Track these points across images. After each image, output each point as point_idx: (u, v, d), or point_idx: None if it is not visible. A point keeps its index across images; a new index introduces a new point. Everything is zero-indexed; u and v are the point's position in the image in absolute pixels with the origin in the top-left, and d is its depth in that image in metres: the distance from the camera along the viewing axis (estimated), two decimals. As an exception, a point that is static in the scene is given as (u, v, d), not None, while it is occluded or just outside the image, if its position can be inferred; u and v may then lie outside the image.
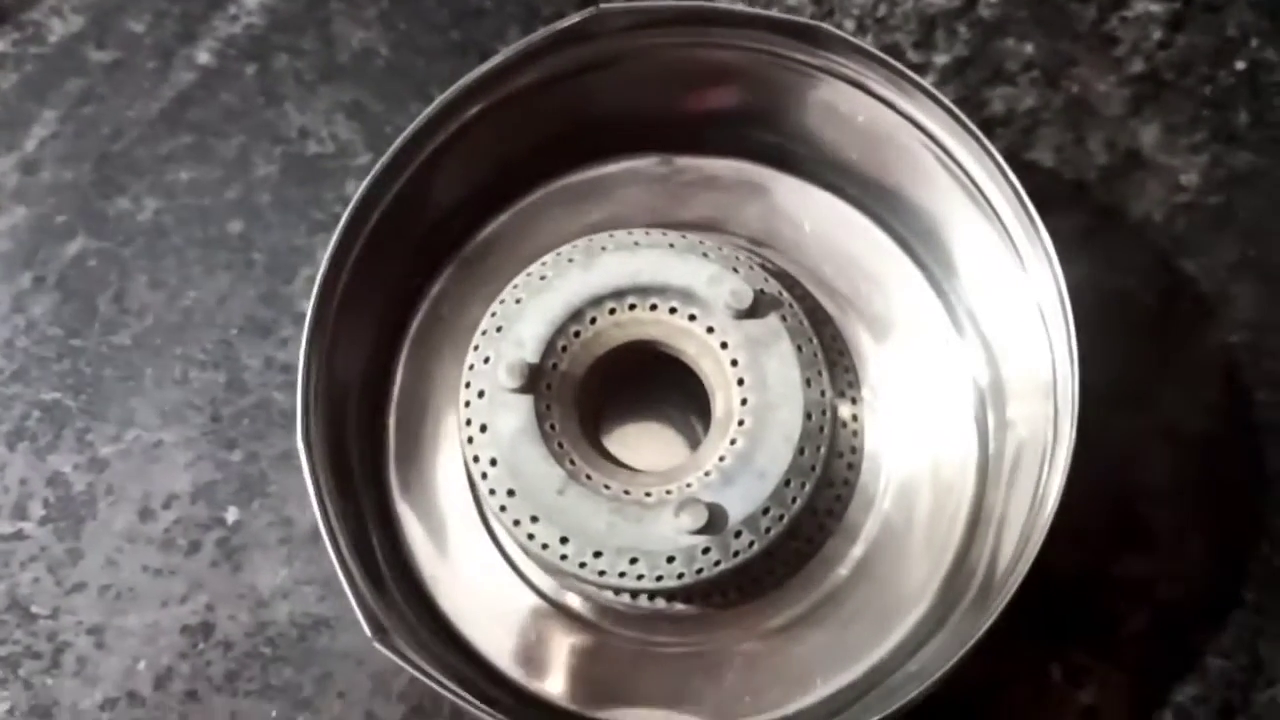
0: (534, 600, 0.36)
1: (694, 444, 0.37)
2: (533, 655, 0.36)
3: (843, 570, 0.36)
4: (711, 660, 0.36)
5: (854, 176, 0.39)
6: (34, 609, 0.38)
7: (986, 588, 0.34)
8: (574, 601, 0.36)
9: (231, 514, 0.38)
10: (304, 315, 0.39)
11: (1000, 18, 0.42)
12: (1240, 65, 0.42)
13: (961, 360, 0.37)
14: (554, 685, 0.36)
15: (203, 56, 0.42)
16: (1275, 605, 0.37)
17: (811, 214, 0.39)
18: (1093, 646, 0.37)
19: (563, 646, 0.36)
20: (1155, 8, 0.42)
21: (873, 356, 0.38)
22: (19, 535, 0.38)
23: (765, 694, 0.35)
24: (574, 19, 0.34)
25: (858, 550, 0.36)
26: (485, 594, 0.36)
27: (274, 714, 0.37)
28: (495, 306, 0.34)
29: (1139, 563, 0.38)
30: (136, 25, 0.43)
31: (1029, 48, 0.42)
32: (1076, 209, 0.41)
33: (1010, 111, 0.42)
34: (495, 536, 0.37)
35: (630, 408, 0.38)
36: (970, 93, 0.42)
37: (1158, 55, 0.42)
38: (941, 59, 0.42)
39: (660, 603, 0.35)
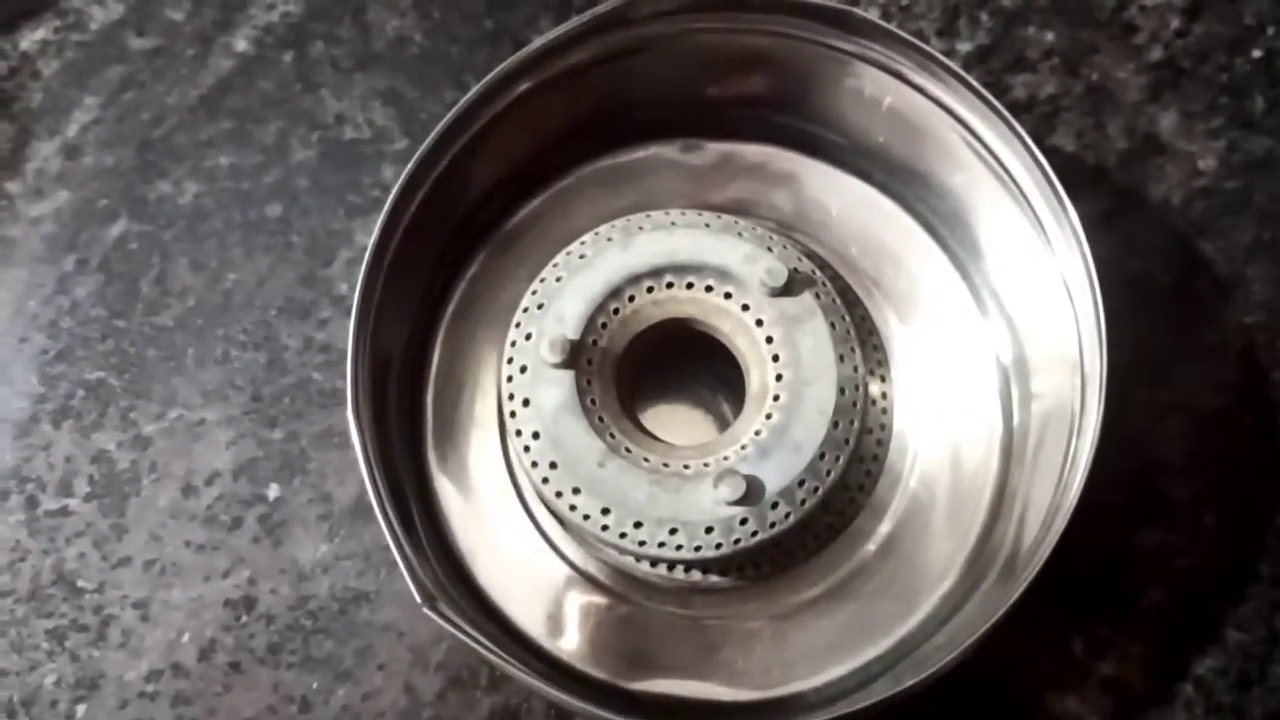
0: (567, 572, 0.37)
1: (722, 422, 0.38)
2: (565, 626, 0.37)
3: (871, 545, 0.37)
4: (742, 632, 0.36)
5: (880, 160, 0.39)
6: (80, 583, 0.39)
7: (1011, 563, 0.35)
8: (606, 574, 0.37)
9: (273, 491, 0.39)
10: (342, 297, 0.40)
11: (1022, 6, 0.43)
12: (1257, 53, 0.43)
13: (985, 339, 0.38)
14: (585, 655, 0.36)
15: (241, 44, 0.43)
16: (1292, 579, 0.38)
17: (838, 197, 0.40)
18: (1114, 619, 0.38)
19: (595, 617, 0.37)
20: (1173, -3, 0.43)
21: (899, 336, 0.39)
22: (65, 511, 0.39)
23: (795, 665, 0.36)
24: (612, 4, 0.35)
25: (885, 526, 0.37)
26: (519, 566, 0.37)
27: (315, 685, 0.38)
28: (536, 285, 0.35)
29: (1158, 536, 0.38)
30: (175, 13, 0.44)
31: (1050, 35, 0.43)
32: (1097, 193, 0.41)
33: (1032, 98, 0.42)
34: (530, 510, 0.38)
35: (661, 385, 0.39)
36: (993, 79, 0.43)
37: (1176, 43, 0.43)
38: (964, 46, 0.43)
39: (695, 574, 0.35)
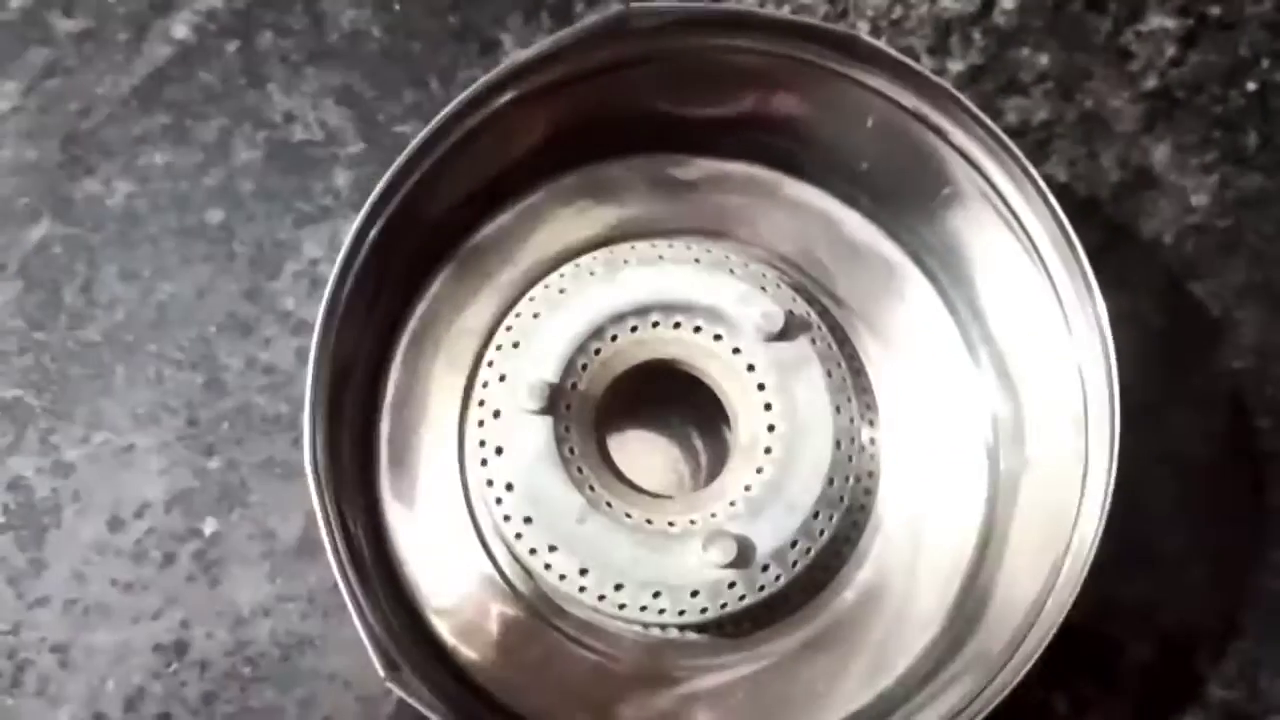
0: (531, 620, 0.35)
1: (693, 458, 0.36)
2: (529, 677, 0.34)
3: (850, 594, 0.35)
4: (717, 687, 0.35)
5: (868, 186, 0.38)
6: (-8, 623, 0.35)
7: (1002, 618, 0.34)
8: (574, 625, 0.35)
9: (209, 525, 0.36)
10: (289, 314, 0.38)
11: (1016, 26, 0.41)
12: (1251, 86, 0.41)
13: (974, 379, 0.37)
14: (550, 708, 0.34)
15: (180, 30, 0.40)
16: (1275, 635, 0.37)
17: (824, 224, 0.38)
18: (1096, 676, 0.37)
19: (559, 668, 0.35)
20: (1170, 23, 0.42)
21: (885, 374, 0.37)
22: (-24, 543, 0.36)
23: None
24: (601, 17, 0.32)
25: (866, 574, 0.35)
26: (476, 612, 0.35)
27: (254, 738, 0.35)
28: (511, 320, 0.32)
29: (1142, 589, 0.37)
30: (108, -7, 0.40)
31: (1044, 58, 0.41)
32: (1089, 225, 0.39)
33: (1024, 123, 0.41)
34: (490, 551, 0.35)
35: (630, 418, 0.36)
36: (984, 102, 0.41)
37: (1170, 72, 0.41)
38: (956, 65, 0.41)
39: (672, 632, 0.33)
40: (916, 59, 0.41)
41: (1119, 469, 0.34)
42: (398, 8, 0.40)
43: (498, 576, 0.35)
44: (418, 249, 0.36)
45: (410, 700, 0.28)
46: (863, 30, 0.41)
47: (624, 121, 0.37)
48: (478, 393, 0.32)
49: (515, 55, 0.32)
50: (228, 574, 0.36)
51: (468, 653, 0.34)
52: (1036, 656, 0.30)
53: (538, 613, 0.35)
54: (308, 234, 0.38)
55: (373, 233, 0.32)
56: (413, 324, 0.36)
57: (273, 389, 0.37)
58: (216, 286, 0.38)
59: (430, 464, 0.36)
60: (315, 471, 0.29)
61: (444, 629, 0.34)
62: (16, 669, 0.35)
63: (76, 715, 0.35)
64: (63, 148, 0.39)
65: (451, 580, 0.35)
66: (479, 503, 0.35)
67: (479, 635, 0.34)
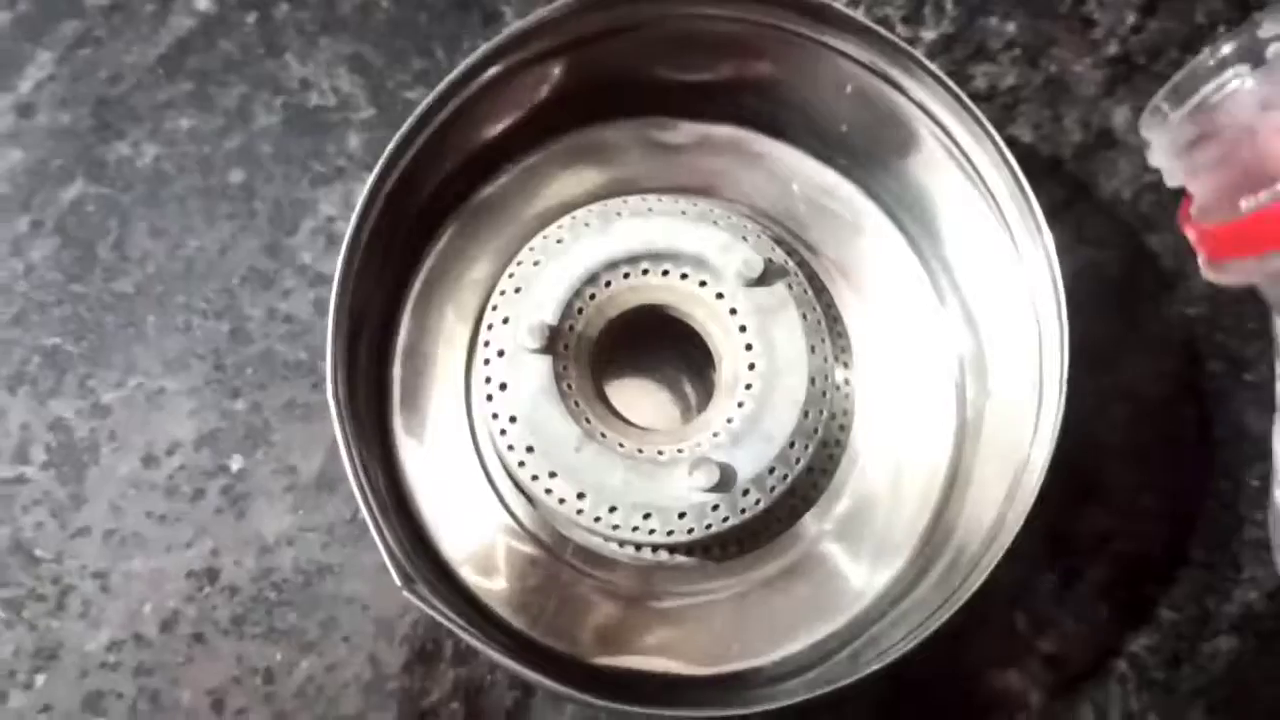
0: (531, 549, 0.37)
1: (683, 401, 0.39)
2: (527, 600, 0.37)
3: (828, 525, 0.38)
4: (703, 609, 0.37)
5: (845, 147, 0.40)
6: (37, 552, 0.38)
7: (962, 546, 0.37)
8: (570, 550, 0.37)
9: (235, 462, 0.39)
10: (306, 267, 0.40)
11: (985, -4, 0.44)
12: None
13: (943, 326, 0.39)
14: (547, 629, 0.37)
15: (202, 3, 0.42)
16: (1221, 562, 0.40)
17: (804, 181, 0.41)
18: (1055, 598, 0.40)
19: (558, 593, 0.37)
20: (1131, -8, 0.44)
21: (859, 320, 0.40)
22: (21, 479, 0.39)
23: (753, 642, 0.37)
24: (597, -13, 0.35)
25: (841, 506, 0.38)
26: (484, 541, 0.37)
27: (279, 657, 0.38)
28: (513, 268, 0.35)
29: (1097, 518, 0.40)
30: (134, -32, 0.42)
31: (1011, 26, 0.44)
32: (1052, 183, 0.43)
33: (993, 88, 0.43)
34: (495, 485, 0.38)
35: (625, 364, 0.39)
36: (955, 68, 0.43)
37: (1131, 39, 0.44)
38: (929, 34, 0.44)
39: (662, 555, 0.36)
40: (892, 27, 0.44)
41: (1079, 408, 0.37)
42: (405, -19, 0.43)
43: (502, 509, 0.38)
44: (425, 207, 0.38)
45: (425, 609, 0.31)
46: (840, 2, 0.44)
47: (615, 87, 0.39)
48: (483, 334, 0.34)
49: (514, 25, 0.35)
50: (253, 507, 0.39)
51: (475, 577, 0.37)
52: (988, 573, 0.32)
53: (539, 541, 0.37)
54: (323, 193, 0.41)
55: (384, 192, 0.35)
56: (421, 277, 0.39)
57: (292, 337, 0.40)
58: (239, 242, 0.41)
59: (439, 406, 0.38)
60: (337, 406, 0.32)
61: (453, 556, 0.37)
62: (61, 594, 0.38)
63: (116, 636, 0.38)
64: (94, 113, 0.41)
65: (459, 512, 0.38)
66: (484, 440, 0.38)
67: (485, 561, 0.37)
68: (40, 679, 0.37)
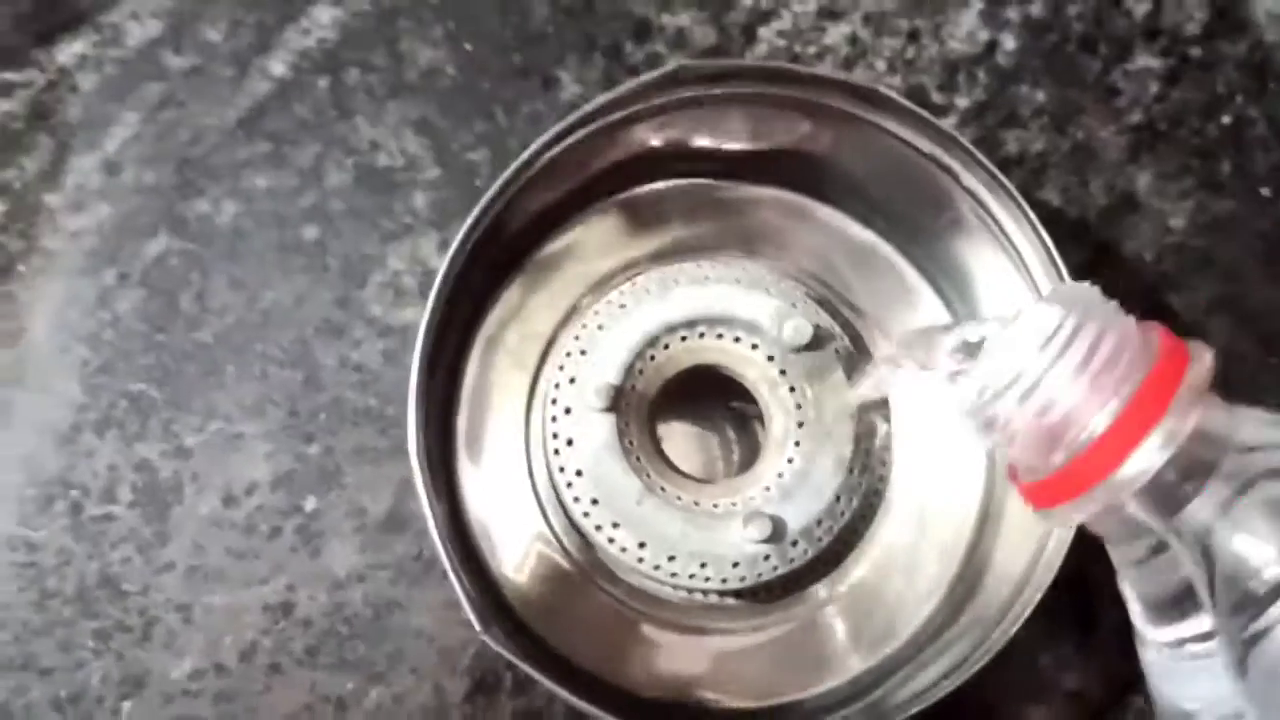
0: (586, 585, 0.40)
1: (728, 450, 0.41)
2: (583, 637, 0.39)
3: (863, 569, 0.40)
4: (748, 648, 0.40)
5: (883, 211, 0.42)
6: (125, 586, 0.41)
7: (995, 589, 0.39)
8: (623, 590, 0.40)
9: (309, 502, 0.42)
10: (375, 319, 0.43)
11: (1016, 65, 0.46)
12: (1226, 120, 0.46)
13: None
14: (603, 667, 0.39)
15: (278, 68, 0.45)
16: (1235, 606, 0.42)
17: (845, 243, 0.43)
18: (1076, 639, 0.42)
19: (611, 631, 0.40)
20: (1154, 63, 0.47)
21: (894, 377, 0.42)
22: (109, 517, 0.41)
23: (793, 678, 0.40)
24: (661, 72, 0.37)
25: (878, 551, 0.41)
26: (541, 581, 0.40)
27: (350, 686, 0.40)
28: (579, 330, 0.37)
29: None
30: (213, 33, 0.45)
31: (1040, 95, 0.46)
32: (1078, 245, 0.45)
33: (1023, 153, 0.46)
34: (550, 523, 0.40)
35: (676, 415, 0.41)
36: (987, 134, 0.46)
37: (1154, 107, 0.46)
38: (962, 101, 0.46)
39: (712, 597, 0.39)
40: (927, 95, 0.46)
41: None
42: (469, 48, 0.45)
43: (556, 546, 0.40)
44: (493, 263, 0.41)
45: (501, 650, 0.33)
46: (879, 69, 0.46)
47: (672, 154, 0.42)
48: (550, 393, 0.37)
49: (590, 102, 0.37)
50: (326, 545, 0.41)
51: (528, 610, 0.39)
52: (1023, 619, 0.35)
53: (590, 578, 0.40)
54: (391, 249, 0.44)
55: (465, 252, 0.37)
56: (486, 328, 0.41)
57: (362, 385, 0.43)
58: (312, 295, 0.43)
59: (499, 450, 0.41)
60: (420, 451, 0.35)
61: (508, 590, 0.40)
62: (146, 625, 0.41)
63: (198, 665, 0.40)
64: (176, 171, 0.44)
65: (518, 550, 0.40)
66: (543, 486, 0.40)
67: (542, 601, 0.39)
68: (126, 705, 0.40)
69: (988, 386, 0.29)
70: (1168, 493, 0.27)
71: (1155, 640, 0.31)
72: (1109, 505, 0.28)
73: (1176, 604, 0.29)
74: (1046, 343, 0.28)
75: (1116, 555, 0.30)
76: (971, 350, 0.31)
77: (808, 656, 0.40)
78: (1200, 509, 0.27)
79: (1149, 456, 0.27)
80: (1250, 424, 0.29)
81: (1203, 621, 0.29)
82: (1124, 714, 0.42)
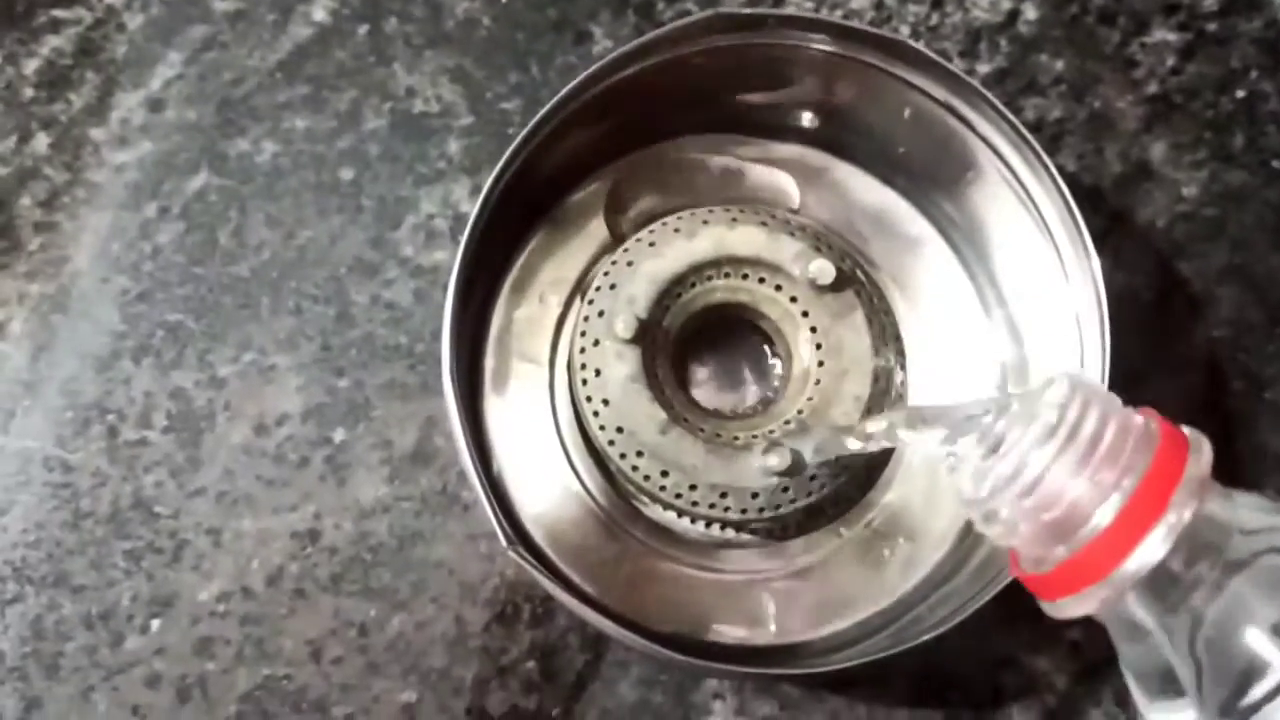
0: (609, 524, 0.41)
1: (747, 389, 0.42)
2: (600, 573, 0.40)
3: (877, 516, 0.42)
4: (762, 586, 0.41)
5: (903, 168, 0.44)
6: (157, 509, 0.42)
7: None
8: (641, 527, 0.41)
9: (338, 434, 0.43)
10: (407, 259, 0.44)
11: (1037, 35, 0.48)
12: (1240, 94, 0.48)
13: (989, 336, 0.43)
14: (617, 598, 0.40)
15: (319, 14, 0.46)
16: (1237, 564, 0.43)
17: (865, 199, 0.44)
18: (1083, 591, 0.43)
19: (627, 565, 0.40)
20: (1171, 36, 0.48)
21: (912, 328, 0.43)
22: (144, 442, 0.42)
23: (805, 617, 0.41)
24: (694, 19, 0.38)
25: (889, 497, 0.42)
26: (561, 515, 0.41)
27: (373, 613, 0.41)
28: (609, 266, 0.39)
29: (1124, 522, 0.44)
30: (257, -21, 0.46)
31: (1060, 64, 0.47)
32: (1092, 212, 0.46)
33: (1040, 120, 0.47)
34: (574, 465, 0.41)
35: (700, 353, 0.43)
36: (1007, 100, 0.47)
37: (1170, 80, 0.48)
38: (984, 68, 0.47)
39: (729, 532, 0.40)
40: (949, 61, 0.47)
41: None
42: (504, 1, 0.47)
43: (579, 485, 0.41)
44: (523, 207, 0.42)
45: (526, 566, 0.35)
46: (904, 33, 0.47)
47: (699, 105, 0.43)
48: (579, 324, 0.38)
49: (617, 49, 0.38)
50: (353, 476, 0.42)
51: (552, 548, 0.41)
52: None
53: (613, 517, 0.41)
54: (424, 193, 0.45)
55: (495, 195, 0.38)
56: (514, 271, 0.43)
57: (393, 322, 0.44)
58: (347, 234, 0.44)
59: (524, 390, 0.42)
60: (454, 384, 0.36)
61: (533, 528, 0.41)
62: (177, 547, 0.42)
63: (226, 588, 0.41)
64: (218, 111, 0.45)
65: (540, 488, 0.41)
66: (566, 423, 0.41)
67: (562, 534, 0.41)
68: (155, 624, 0.41)
69: (988, 480, 0.29)
70: (1165, 582, 0.27)
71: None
72: (1112, 598, 0.28)
73: (1171, 683, 0.29)
74: (1047, 436, 0.28)
75: (1112, 631, 0.30)
76: (967, 430, 0.30)
77: (821, 597, 0.41)
78: (1196, 596, 0.27)
79: (1153, 549, 0.27)
80: (1248, 510, 0.29)
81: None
82: (1125, 667, 0.43)
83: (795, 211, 0.44)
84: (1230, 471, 0.43)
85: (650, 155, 0.44)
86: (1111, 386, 0.37)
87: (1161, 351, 0.45)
